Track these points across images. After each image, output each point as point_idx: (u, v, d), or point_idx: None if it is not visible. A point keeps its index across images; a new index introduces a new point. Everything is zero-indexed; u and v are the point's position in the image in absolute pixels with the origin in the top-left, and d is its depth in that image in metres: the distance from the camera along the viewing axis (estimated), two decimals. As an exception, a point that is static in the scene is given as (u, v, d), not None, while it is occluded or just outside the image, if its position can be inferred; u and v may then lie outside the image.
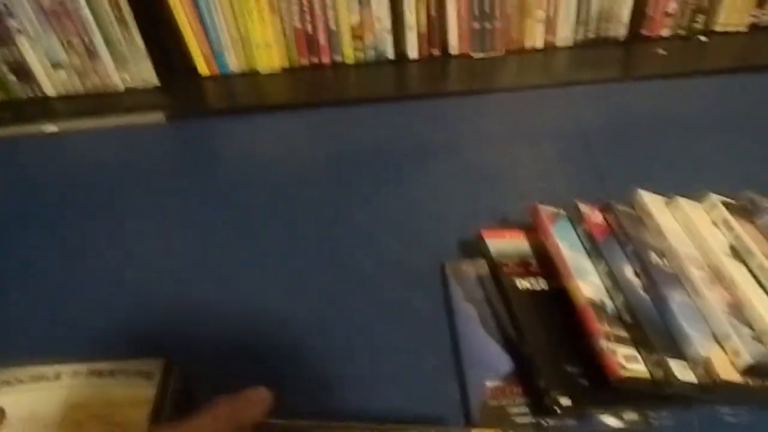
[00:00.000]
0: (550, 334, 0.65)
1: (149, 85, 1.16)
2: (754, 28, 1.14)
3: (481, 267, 0.75)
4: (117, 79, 1.15)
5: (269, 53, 1.16)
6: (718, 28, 1.15)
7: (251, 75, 1.18)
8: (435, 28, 1.15)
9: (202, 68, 1.18)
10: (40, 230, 0.90)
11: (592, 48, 1.17)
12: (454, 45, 1.17)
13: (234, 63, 1.17)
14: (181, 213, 0.91)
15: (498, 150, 0.97)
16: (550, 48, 1.18)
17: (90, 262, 0.84)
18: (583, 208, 0.73)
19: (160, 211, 0.92)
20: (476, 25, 1.14)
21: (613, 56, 1.15)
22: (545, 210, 0.74)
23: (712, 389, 0.57)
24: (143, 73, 1.15)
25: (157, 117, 1.10)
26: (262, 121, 1.09)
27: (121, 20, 1.08)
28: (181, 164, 1.03)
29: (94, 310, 0.77)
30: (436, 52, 1.18)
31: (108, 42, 1.10)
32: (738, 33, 1.14)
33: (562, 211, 0.75)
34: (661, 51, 1.14)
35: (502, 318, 0.70)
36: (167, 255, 0.84)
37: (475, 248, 0.75)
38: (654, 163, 0.90)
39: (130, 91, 1.16)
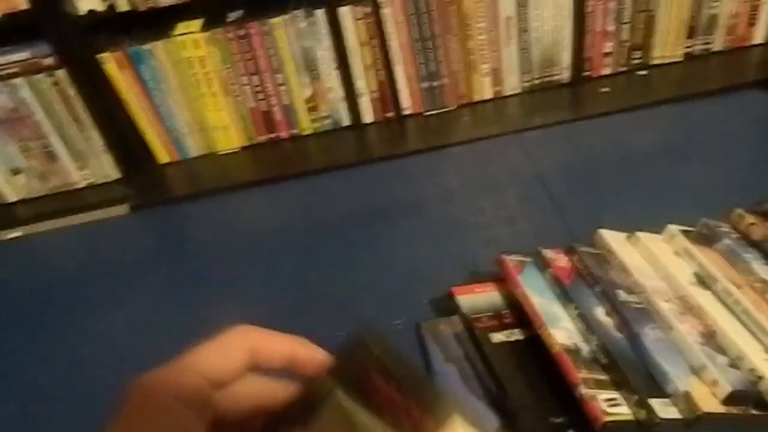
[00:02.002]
0: (532, 386, 0.65)
1: (111, 178, 1.17)
2: (689, 57, 1.19)
3: (457, 324, 0.75)
4: (78, 176, 1.15)
5: (227, 134, 1.18)
6: (655, 62, 1.20)
7: (212, 157, 1.20)
8: (387, 92, 1.18)
9: (162, 156, 1.19)
10: (12, 333, 0.88)
11: (539, 93, 1.21)
12: (407, 105, 1.20)
13: (193, 147, 1.19)
14: (155, 301, 0.90)
15: (462, 202, 0.98)
16: (499, 98, 1.21)
17: (64, 359, 0.82)
18: (548, 253, 0.74)
19: (133, 301, 0.91)
20: (426, 85, 1.18)
21: (561, 99, 1.19)
22: (511, 260, 0.75)
23: (696, 423, 0.56)
24: (104, 167, 1.15)
25: (121, 209, 1.10)
26: (227, 201, 1.09)
27: (76, 119, 1.09)
28: (151, 253, 1.02)
29: (69, 408, 0.74)
30: (390, 114, 1.21)
31: (66, 142, 1.11)
32: (674, 63, 1.20)
33: (528, 259, 0.75)
34: (604, 89, 1.18)
35: (482, 375, 0.69)
36: (144, 343, 0.82)
37: (449, 305, 0.75)
38: (611, 196, 0.92)
39: (92, 187, 1.17)
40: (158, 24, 1.08)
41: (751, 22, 1.15)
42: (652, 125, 1.07)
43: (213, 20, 1.09)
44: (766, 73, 1.10)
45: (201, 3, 1.07)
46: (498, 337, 0.70)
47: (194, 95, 1.12)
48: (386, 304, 0.82)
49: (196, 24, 1.07)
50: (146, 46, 1.05)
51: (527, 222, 0.91)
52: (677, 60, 1.20)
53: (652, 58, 1.20)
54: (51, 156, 1.12)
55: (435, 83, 1.18)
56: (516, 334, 0.71)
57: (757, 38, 1.17)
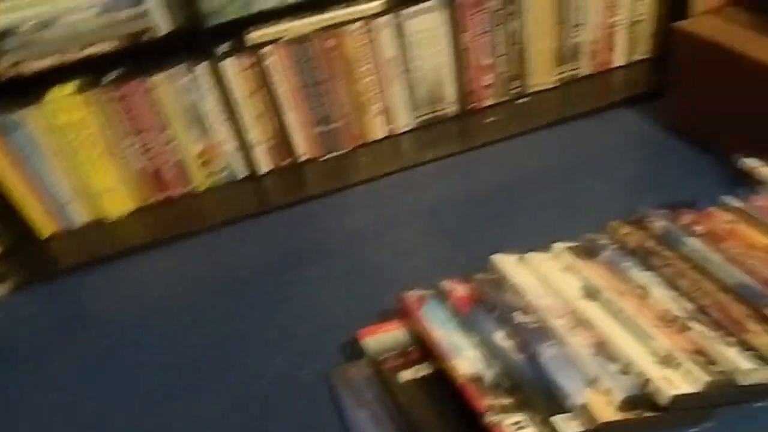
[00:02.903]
0: (443, 419, 0.65)
1: (-11, 257, 1.08)
2: (562, 83, 1.27)
3: (366, 368, 0.74)
4: (-49, 259, 1.06)
5: (116, 198, 1.13)
6: (533, 89, 1.27)
7: (100, 223, 1.14)
8: (281, 139, 1.18)
9: (46, 227, 1.12)
10: None
11: (431, 128, 1.24)
12: (303, 151, 1.20)
13: (80, 215, 1.13)
14: (46, 387, 0.83)
15: (365, 242, 0.98)
16: (393, 136, 1.24)
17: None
18: (446, 284, 0.75)
19: (20, 390, 0.83)
20: (319, 129, 1.19)
21: (451, 132, 1.24)
22: (412, 296, 0.75)
23: (596, 433, 0.58)
24: (-20, 246, 1.07)
25: (1, 289, 1.02)
26: (119, 268, 1.04)
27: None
28: (39, 333, 0.95)
29: None
30: (288, 161, 1.20)
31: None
32: (550, 90, 1.27)
33: (429, 292, 0.76)
34: (490, 119, 1.24)
35: (393, 415, 0.68)
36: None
37: (358, 349, 0.74)
38: (505, 221, 0.95)
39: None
40: (31, 90, 1.03)
41: (610, 47, 1.25)
42: (536, 149, 1.13)
43: (90, 81, 1.05)
44: (630, 92, 1.20)
45: (76, 66, 1.03)
46: (406, 374, 0.70)
47: (76, 160, 1.07)
48: (298, 355, 0.80)
49: (70, 87, 1.03)
50: (14, 116, 1.00)
51: (427, 255, 0.93)
52: (552, 86, 1.27)
53: (530, 86, 1.27)
54: None
55: (328, 127, 1.19)
56: (424, 369, 0.71)
57: (618, 61, 1.27)
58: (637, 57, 1.28)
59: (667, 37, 1.06)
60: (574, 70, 1.27)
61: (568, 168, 1.05)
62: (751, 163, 0.77)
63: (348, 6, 1.10)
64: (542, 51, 1.23)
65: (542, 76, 1.26)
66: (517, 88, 1.26)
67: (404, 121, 1.23)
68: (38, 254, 1.10)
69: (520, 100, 1.27)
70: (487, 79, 1.23)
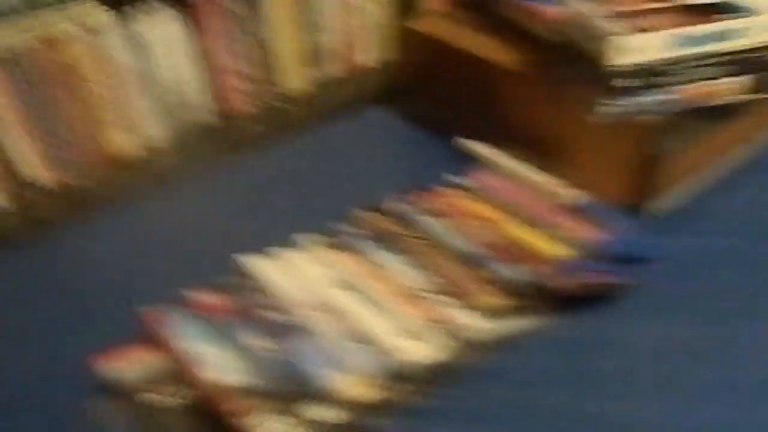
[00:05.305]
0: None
1: None
2: (317, 85, 1.30)
3: (118, 401, 0.67)
4: None
5: None
6: (292, 93, 1.28)
7: None
8: (11, 169, 1.03)
9: None
10: None
11: (186, 140, 1.19)
12: (38, 180, 1.07)
13: None
14: None
15: (111, 267, 0.90)
16: (149, 153, 1.16)
17: None
18: (195, 296, 0.72)
19: None
20: (54, 152, 1.06)
21: (211, 143, 1.19)
22: (155, 315, 0.70)
23: (355, 417, 0.59)
24: None
25: None
26: None
27: None
28: None
29: None
30: (27, 193, 1.06)
31: None
32: (306, 93, 1.30)
33: (175, 306, 0.72)
34: (250, 126, 1.22)
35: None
36: None
37: (109, 381, 0.67)
38: (258, 224, 0.93)
39: None
40: None
41: (354, 49, 1.31)
42: (294, 152, 1.14)
43: None
44: (379, 92, 1.27)
45: None
46: (160, 402, 0.65)
47: None
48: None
49: None
50: None
51: (178, 269, 0.87)
52: (308, 89, 1.30)
53: (287, 90, 1.28)
54: None
55: (65, 152, 1.07)
56: (184, 393, 0.66)
57: (365, 62, 1.34)
58: (383, 57, 1.36)
59: (402, 37, 1.14)
60: (325, 73, 1.30)
61: (324, 168, 1.08)
62: (471, 144, 0.85)
63: (63, 10, 1.00)
64: (289, 54, 1.24)
65: (296, 79, 1.28)
66: (273, 93, 1.26)
67: (159, 136, 1.16)
68: None
69: (279, 105, 1.27)
70: (240, 84, 1.21)
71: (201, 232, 0.95)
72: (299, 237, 0.78)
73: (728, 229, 0.86)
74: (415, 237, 0.77)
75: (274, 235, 0.82)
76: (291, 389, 0.61)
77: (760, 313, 0.73)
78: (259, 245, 0.79)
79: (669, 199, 0.85)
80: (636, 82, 0.76)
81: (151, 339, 0.70)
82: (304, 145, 1.15)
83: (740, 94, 0.81)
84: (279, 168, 1.09)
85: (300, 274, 0.73)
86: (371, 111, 1.23)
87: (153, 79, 1.12)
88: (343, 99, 1.26)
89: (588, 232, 0.72)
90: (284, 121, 1.22)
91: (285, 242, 0.80)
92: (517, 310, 0.70)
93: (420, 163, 1.03)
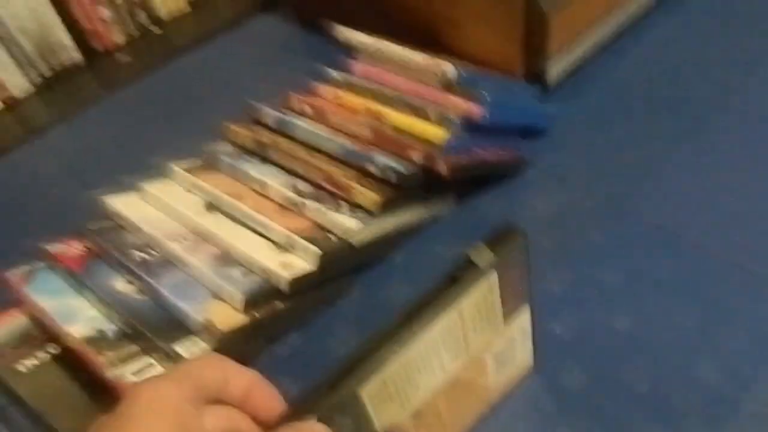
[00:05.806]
0: (72, 398, 0.56)
1: None
2: (193, 4, 1.19)
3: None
4: None
5: None
6: (164, 17, 1.17)
7: None
8: None
9: None
10: None
11: (58, 84, 1.08)
12: None
13: None
14: None
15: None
16: (14, 103, 1.05)
17: None
18: (55, 247, 0.65)
19: None
20: None
21: (84, 81, 1.09)
22: (14, 274, 0.63)
23: (226, 344, 0.54)
24: None
25: None
26: None
27: None
28: None
29: None
30: None
31: None
32: (184, 15, 1.18)
33: (39, 264, 0.65)
34: (126, 58, 1.11)
35: (19, 411, 0.58)
36: None
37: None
38: (135, 158, 0.85)
39: None
40: None
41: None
42: (179, 75, 1.04)
43: None
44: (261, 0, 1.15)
45: None
46: (27, 364, 0.59)
47: None
48: None
49: None
50: None
51: (57, 222, 0.79)
52: (185, 11, 1.18)
53: (160, 14, 1.16)
54: None
55: None
56: (51, 350, 0.61)
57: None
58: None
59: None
60: (197, -14, 1.18)
61: (201, 88, 0.99)
62: (349, 33, 0.77)
63: None
64: (153, -29, 1.11)
65: (169, 1, 1.16)
66: (146, 19, 1.14)
67: (19, 83, 1.05)
68: None
69: (155, 32, 1.16)
70: (104, 13, 1.09)
71: (69, 179, 0.86)
72: (172, 165, 0.71)
73: (619, 90, 0.81)
74: (290, 143, 0.70)
75: (146, 169, 0.74)
76: (164, 329, 0.55)
77: (653, 173, 0.70)
78: (131, 182, 0.72)
79: (558, 63, 0.79)
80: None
81: (16, 301, 0.63)
82: (180, 68, 1.05)
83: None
84: (153, 97, 0.99)
85: (168, 205, 0.66)
86: (254, 22, 1.12)
87: (2, 24, 1.00)
88: (224, 12, 1.15)
89: (471, 108, 0.66)
90: (159, 46, 1.11)
91: (157, 173, 0.72)
92: (407, 202, 0.65)
93: (303, 66, 0.94)
